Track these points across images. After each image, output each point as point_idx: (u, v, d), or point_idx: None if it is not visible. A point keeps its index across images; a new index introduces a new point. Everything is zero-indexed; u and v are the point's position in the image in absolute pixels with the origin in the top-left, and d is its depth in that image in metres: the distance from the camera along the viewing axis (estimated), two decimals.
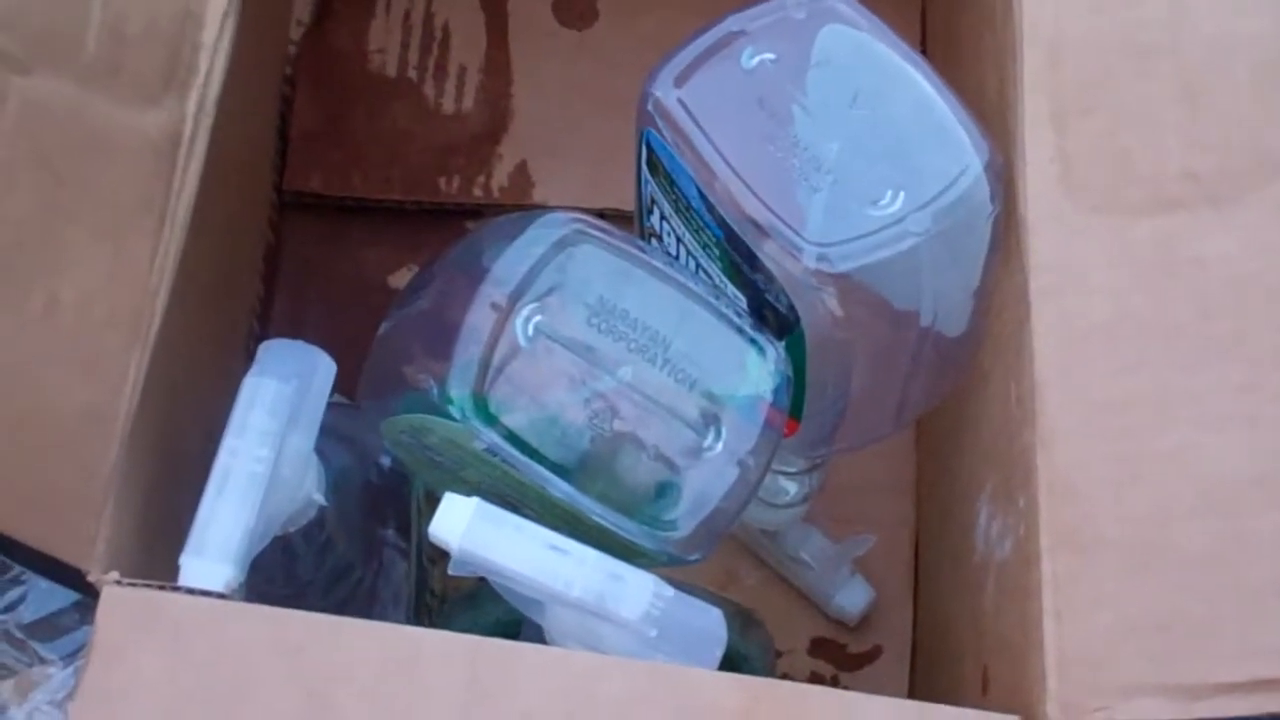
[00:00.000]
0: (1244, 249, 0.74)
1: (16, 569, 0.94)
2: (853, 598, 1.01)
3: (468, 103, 1.11)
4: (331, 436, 0.82)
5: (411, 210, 1.09)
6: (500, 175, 1.09)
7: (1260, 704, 0.68)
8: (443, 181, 1.09)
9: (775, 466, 0.94)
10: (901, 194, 0.77)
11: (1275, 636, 0.69)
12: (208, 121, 0.79)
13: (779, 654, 0.99)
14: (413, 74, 1.11)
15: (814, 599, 1.02)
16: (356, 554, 0.89)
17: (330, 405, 0.80)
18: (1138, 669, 0.69)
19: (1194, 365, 0.73)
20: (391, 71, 1.11)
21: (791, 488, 0.96)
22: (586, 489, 0.76)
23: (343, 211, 1.10)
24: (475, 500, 0.74)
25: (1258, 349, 0.73)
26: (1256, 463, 0.71)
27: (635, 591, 0.73)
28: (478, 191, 1.09)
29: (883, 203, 0.77)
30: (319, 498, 0.79)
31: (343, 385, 0.81)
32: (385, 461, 0.91)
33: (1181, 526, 0.71)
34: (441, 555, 0.76)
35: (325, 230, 1.10)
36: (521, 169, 1.09)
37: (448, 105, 1.11)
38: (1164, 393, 0.73)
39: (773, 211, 0.77)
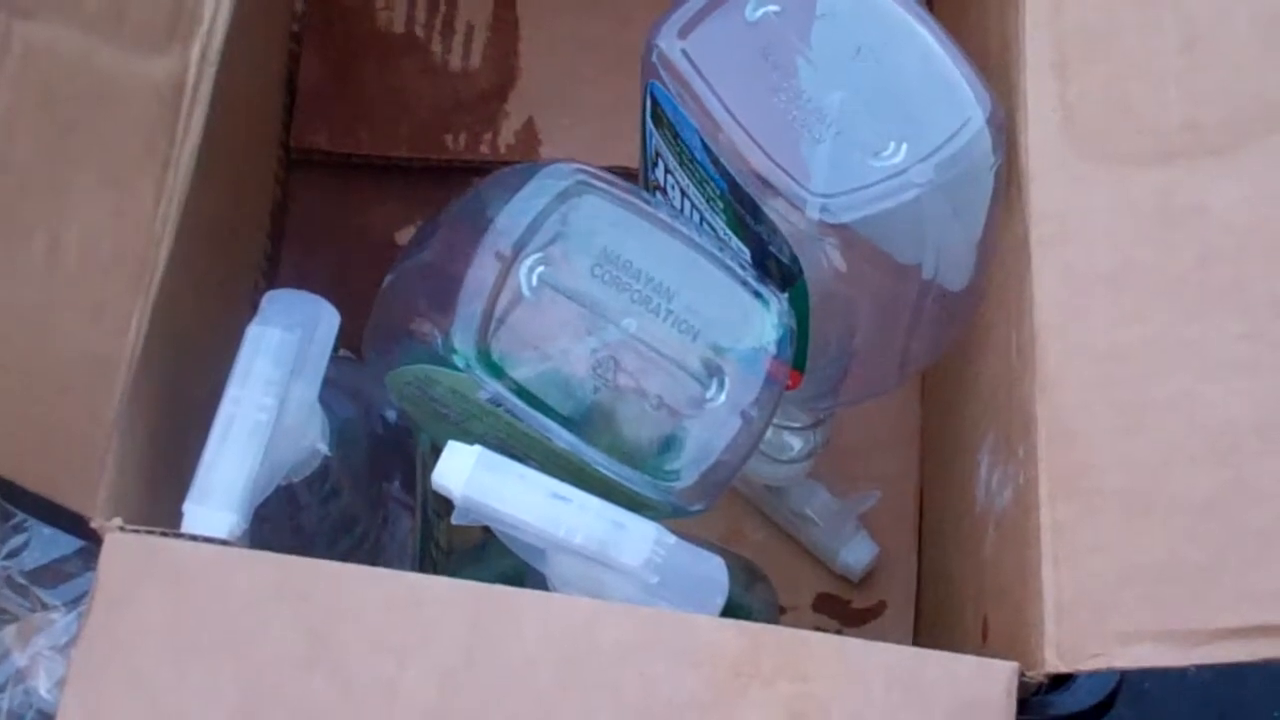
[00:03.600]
0: (1245, 198, 0.74)
1: (19, 516, 0.95)
2: (857, 554, 1.01)
3: (475, 59, 1.11)
4: (336, 389, 0.83)
5: (418, 167, 1.10)
6: (507, 132, 1.09)
7: (1259, 650, 0.68)
8: (449, 139, 1.09)
9: (780, 422, 0.94)
10: (904, 145, 0.77)
11: (1275, 582, 0.69)
12: (211, 70, 0.79)
13: (783, 610, 0.99)
14: (420, 30, 1.12)
15: (819, 555, 1.02)
16: (361, 506, 0.90)
17: (335, 359, 0.80)
18: (1136, 615, 0.69)
19: (1195, 314, 0.73)
20: (399, 28, 1.12)
21: (796, 443, 0.96)
22: (590, 439, 0.77)
23: (349, 168, 1.10)
24: (478, 448, 0.74)
25: (1258, 298, 0.73)
26: (1257, 410, 0.71)
27: (637, 538, 0.74)
28: (484, 149, 1.09)
29: (885, 154, 0.77)
30: (323, 447, 0.80)
31: (348, 340, 0.82)
32: (390, 415, 0.92)
33: (1181, 474, 0.71)
34: (447, 509, 0.76)
35: (332, 187, 1.10)
36: (529, 126, 1.10)
37: (455, 62, 1.11)
38: (1164, 341, 0.73)
39: (776, 163, 0.78)
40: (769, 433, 0.94)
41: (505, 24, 1.12)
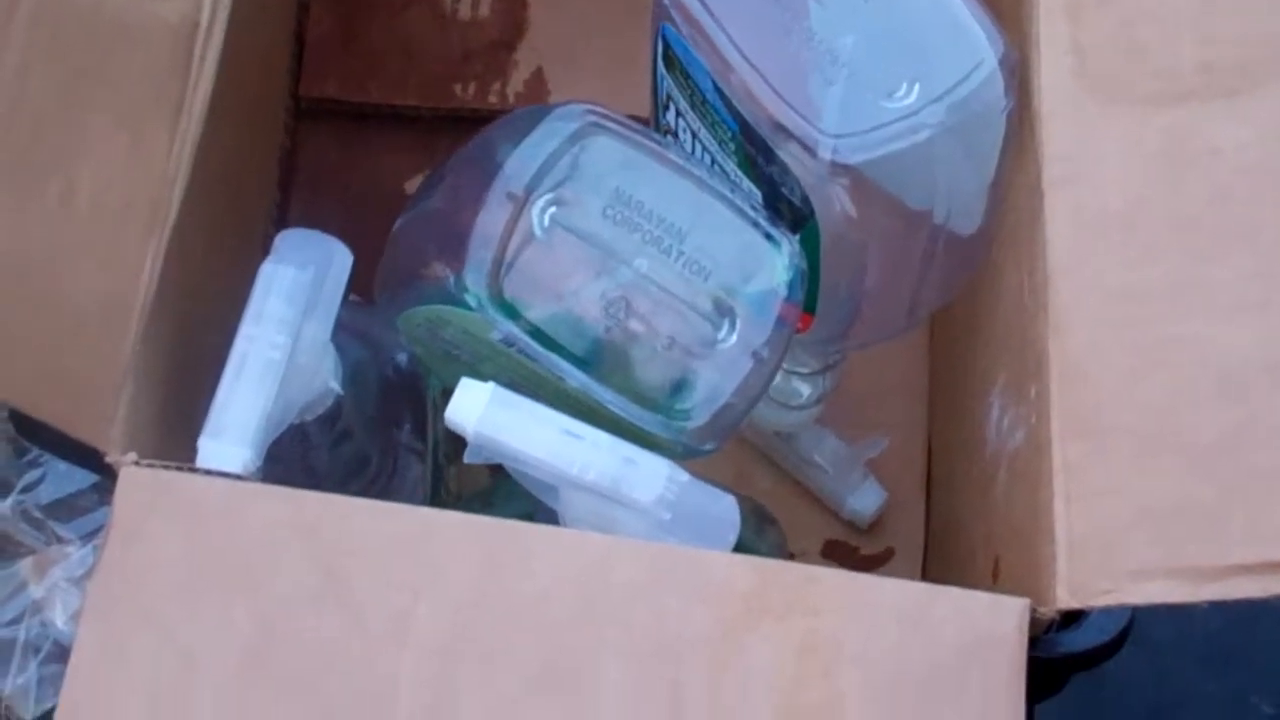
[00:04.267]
0: (1257, 139, 0.75)
1: (35, 451, 0.96)
2: (865, 500, 1.02)
3: (484, 9, 1.11)
4: (348, 332, 0.84)
5: (427, 117, 1.10)
6: (516, 82, 1.10)
7: (1269, 586, 0.68)
8: (459, 88, 1.10)
9: (789, 367, 0.95)
10: (916, 86, 0.77)
11: (1273, 523, 0.69)
12: (224, 13, 0.80)
13: (791, 556, 0.99)
14: None
15: (827, 502, 1.03)
16: (372, 449, 0.90)
17: (347, 303, 0.81)
18: (1147, 552, 0.70)
19: (1206, 254, 0.73)
20: None
21: (805, 389, 0.97)
22: (602, 379, 0.77)
23: (359, 118, 1.11)
24: (491, 385, 0.75)
25: (1270, 238, 0.73)
26: (1268, 350, 0.72)
27: (649, 475, 0.74)
28: (493, 98, 1.09)
29: (898, 95, 0.77)
30: (335, 386, 0.80)
31: (358, 287, 0.82)
32: (401, 360, 0.92)
33: (1193, 413, 0.71)
34: (457, 454, 0.77)
35: (341, 137, 1.11)
36: (538, 75, 1.10)
37: (464, 12, 1.11)
38: (1176, 281, 0.73)
39: (788, 103, 0.78)
40: (778, 378, 0.95)
41: None
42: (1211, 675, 1.11)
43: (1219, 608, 1.11)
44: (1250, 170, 0.74)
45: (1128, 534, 0.70)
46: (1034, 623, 0.70)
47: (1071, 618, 0.74)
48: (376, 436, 0.91)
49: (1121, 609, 0.74)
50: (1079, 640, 0.74)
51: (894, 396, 1.04)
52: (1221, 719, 1.07)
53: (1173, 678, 1.08)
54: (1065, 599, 0.69)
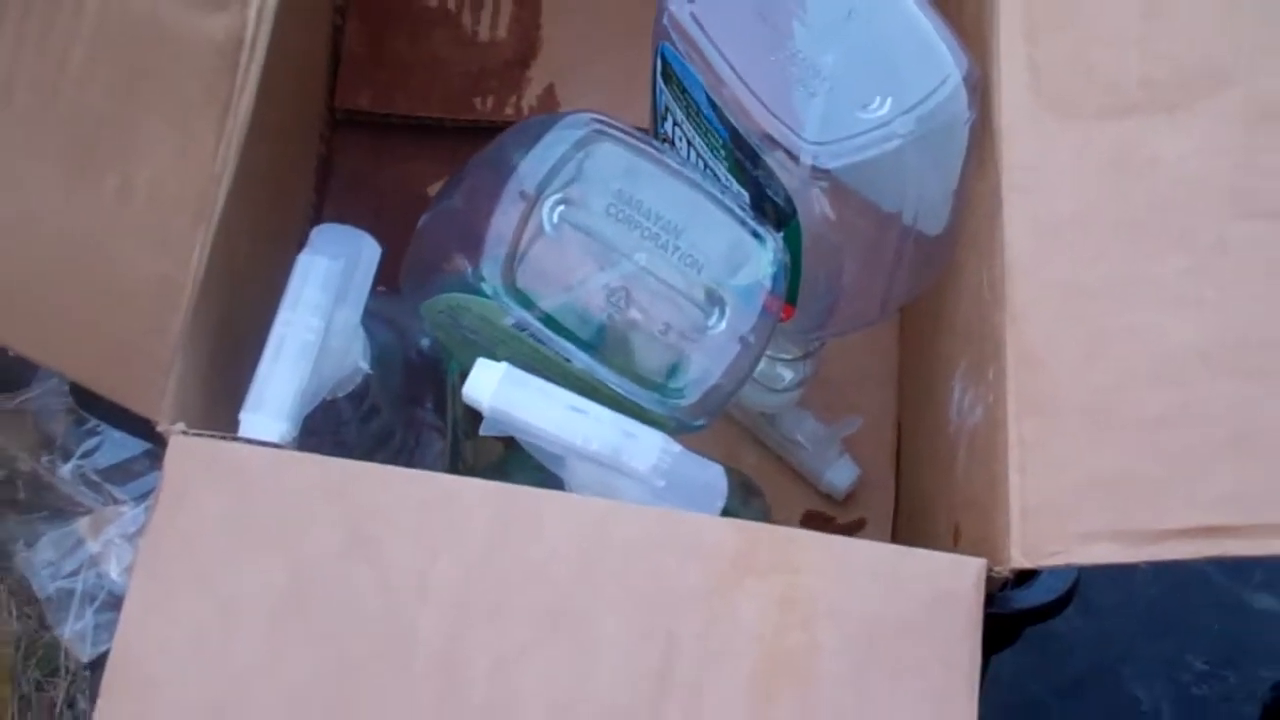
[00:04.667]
0: (1194, 150, 0.74)
1: (93, 421, 0.96)
2: (841, 475, 1.01)
3: (501, 31, 1.11)
4: (377, 318, 0.83)
5: (449, 127, 1.09)
6: (529, 96, 1.09)
7: (1201, 548, 0.68)
8: (478, 101, 1.09)
9: (773, 354, 0.94)
10: (889, 100, 0.77)
11: (1217, 491, 0.69)
12: (266, 28, 0.79)
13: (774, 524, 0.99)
14: (452, 5, 1.12)
15: (806, 476, 1.02)
16: (397, 423, 0.90)
17: (375, 292, 0.80)
18: (1093, 518, 0.69)
19: (1148, 253, 0.73)
20: (432, 2, 1.12)
21: (788, 374, 0.96)
22: (604, 361, 0.77)
23: (388, 128, 1.10)
24: (504, 365, 0.75)
25: (1205, 239, 0.73)
26: (1202, 339, 0.71)
27: (646, 446, 0.74)
28: (509, 110, 1.09)
29: (872, 107, 0.77)
30: (364, 365, 0.80)
31: (385, 279, 0.82)
32: (424, 344, 0.92)
33: (1136, 394, 0.71)
34: (474, 430, 0.77)
35: (372, 145, 1.10)
36: (549, 91, 1.10)
37: (483, 33, 1.11)
38: (1121, 277, 0.73)
39: (774, 114, 0.78)
40: (764, 364, 0.95)
41: (528, 1, 1.12)
42: (1150, 637, 1.10)
43: (1157, 578, 1.12)
44: (1187, 178, 0.74)
45: (1075, 502, 0.70)
46: (990, 581, 0.69)
47: (1024, 577, 0.73)
48: (401, 413, 0.91)
49: (1069, 569, 0.74)
50: (1031, 597, 0.74)
51: (867, 382, 1.04)
52: (1158, 673, 1.06)
53: (1115, 638, 1.08)
54: (1019, 559, 0.69)
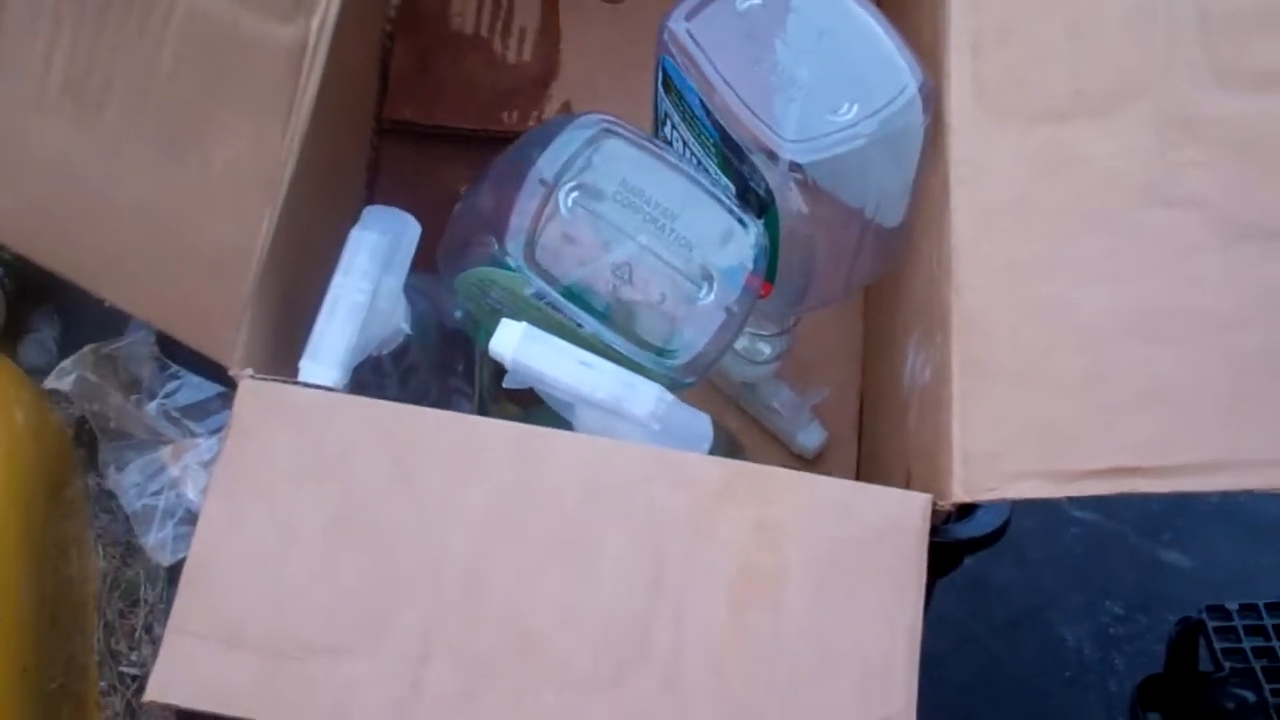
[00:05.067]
0: (1117, 150, 0.76)
1: (174, 367, 0.97)
2: (811, 438, 1.02)
3: (526, 55, 1.12)
4: (417, 291, 0.85)
5: (481, 137, 1.11)
6: (549, 110, 1.11)
7: (1115, 486, 0.70)
8: (505, 115, 1.11)
9: (754, 330, 0.96)
10: (855, 106, 0.79)
11: (1129, 438, 0.71)
12: (326, 40, 0.80)
13: None
14: (485, 32, 1.13)
15: (781, 438, 1.03)
16: (431, 382, 0.91)
17: (417, 272, 0.82)
18: (1024, 461, 0.71)
19: (1073, 237, 0.75)
20: (469, 30, 1.13)
21: (766, 349, 0.97)
22: (611, 326, 0.79)
23: (428, 137, 1.11)
24: (524, 324, 0.76)
25: (1120, 226, 0.75)
26: (1118, 310, 0.73)
27: (644, 395, 0.76)
28: (531, 122, 1.10)
29: (841, 112, 0.79)
30: (405, 327, 0.81)
31: (425, 263, 0.84)
32: (457, 315, 0.93)
33: (1061, 356, 0.73)
34: (497, 397, 0.79)
35: (415, 151, 1.11)
36: (566, 106, 1.11)
37: (511, 57, 1.12)
38: (1049, 256, 0.75)
39: (758, 117, 0.80)
40: (746, 340, 0.96)
41: (550, 29, 1.14)
42: (1075, 586, 1.12)
43: (1082, 537, 1.13)
44: (1107, 174, 0.76)
45: (1009, 446, 0.72)
46: (935, 514, 0.71)
47: (965, 513, 0.75)
48: (435, 376, 0.92)
49: (1003, 506, 0.75)
50: (970, 529, 0.75)
51: (835, 358, 1.05)
52: (1081, 617, 1.08)
53: (1045, 587, 1.09)
54: (959, 495, 0.71)
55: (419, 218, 0.84)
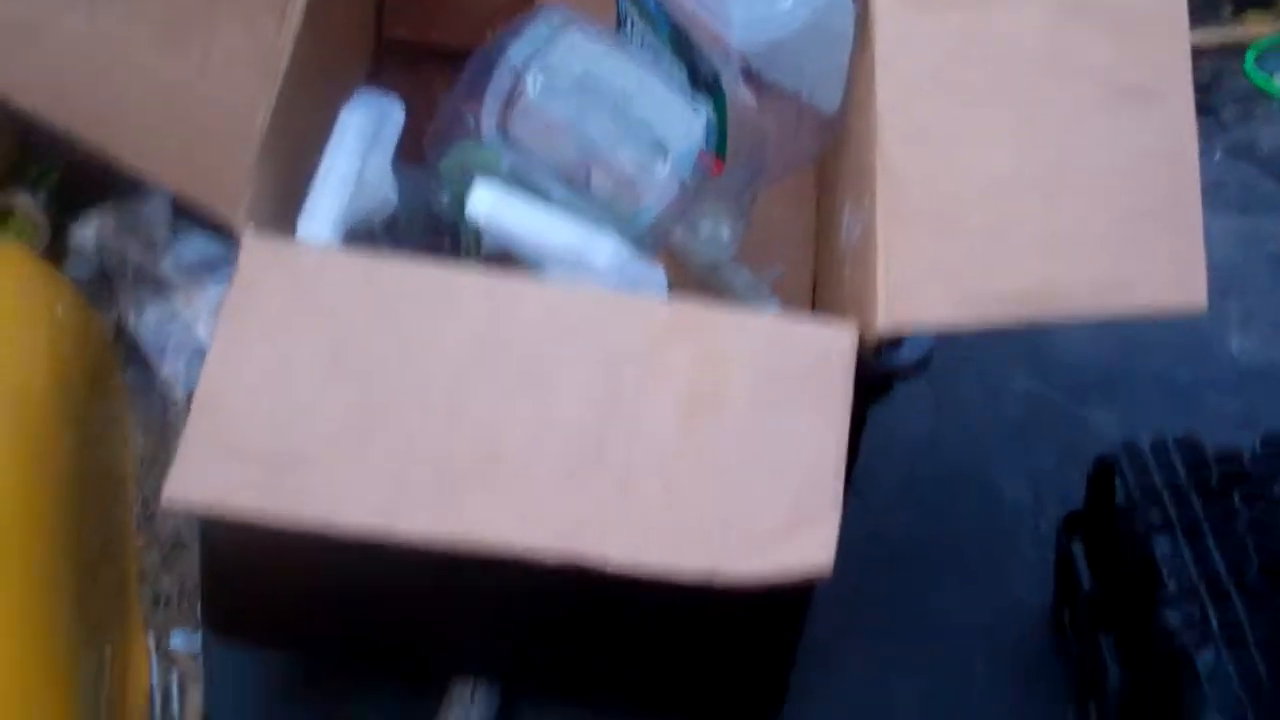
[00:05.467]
0: (1027, 31, 0.80)
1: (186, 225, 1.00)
2: (769, 311, 1.05)
3: None
4: (406, 175, 0.88)
5: (467, 52, 1.14)
6: None
7: (1011, 312, 0.74)
8: (489, 33, 1.13)
9: (714, 217, 0.99)
10: None
11: (1028, 276, 0.75)
12: None
13: None
14: None
15: None
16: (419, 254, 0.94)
17: (407, 165, 0.85)
18: (937, 294, 0.76)
19: (981, 104, 0.79)
20: None
21: (725, 232, 1.01)
22: (577, 194, 0.82)
23: (422, 53, 1.14)
24: (497, 184, 0.80)
25: (1024, 94, 0.79)
26: (1018, 168, 0.78)
27: (605, 249, 0.80)
28: None
29: (781, 2, 0.82)
30: (393, 197, 0.85)
31: (418, 157, 0.87)
32: (444, 200, 0.96)
33: (969, 209, 0.77)
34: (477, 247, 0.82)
35: (408, 66, 1.14)
36: None
37: None
38: (962, 123, 0.79)
39: (707, 9, 0.83)
40: (707, 225, 0.99)
41: None
42: (1011, 442, 1.15)
43: (1017, 401, 1.16)
44: (1016, 49, 0.80)
45: (926, 286, 0.76)
46: (865, 347, 0.75)
47: (892, 345, 0.78)
48: (425, 245, 0.95)
49: (926, 340, 0.78)
50: (897, 358, 0.79)
51: (788, 239, 1.07)
52: (1015, 473, 1.11)
53: (984, 445, 1.12)
54: (884, 324, 0.75)
55: (412, 122, 0.87)
